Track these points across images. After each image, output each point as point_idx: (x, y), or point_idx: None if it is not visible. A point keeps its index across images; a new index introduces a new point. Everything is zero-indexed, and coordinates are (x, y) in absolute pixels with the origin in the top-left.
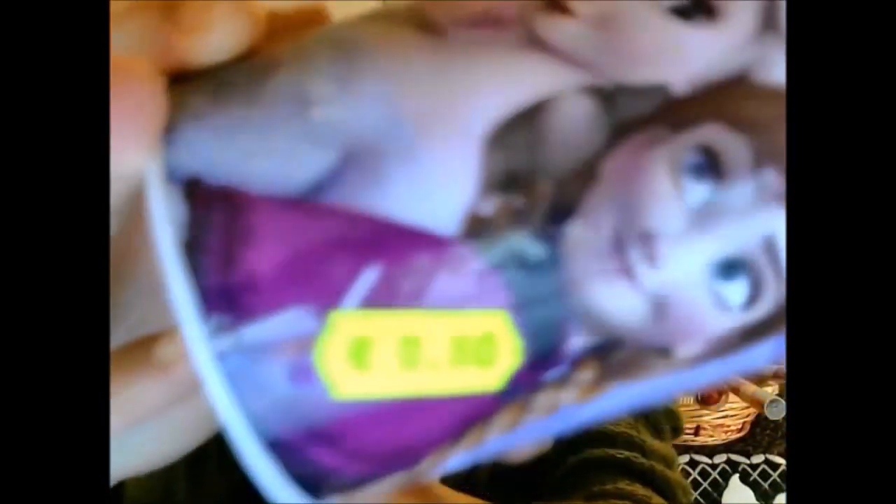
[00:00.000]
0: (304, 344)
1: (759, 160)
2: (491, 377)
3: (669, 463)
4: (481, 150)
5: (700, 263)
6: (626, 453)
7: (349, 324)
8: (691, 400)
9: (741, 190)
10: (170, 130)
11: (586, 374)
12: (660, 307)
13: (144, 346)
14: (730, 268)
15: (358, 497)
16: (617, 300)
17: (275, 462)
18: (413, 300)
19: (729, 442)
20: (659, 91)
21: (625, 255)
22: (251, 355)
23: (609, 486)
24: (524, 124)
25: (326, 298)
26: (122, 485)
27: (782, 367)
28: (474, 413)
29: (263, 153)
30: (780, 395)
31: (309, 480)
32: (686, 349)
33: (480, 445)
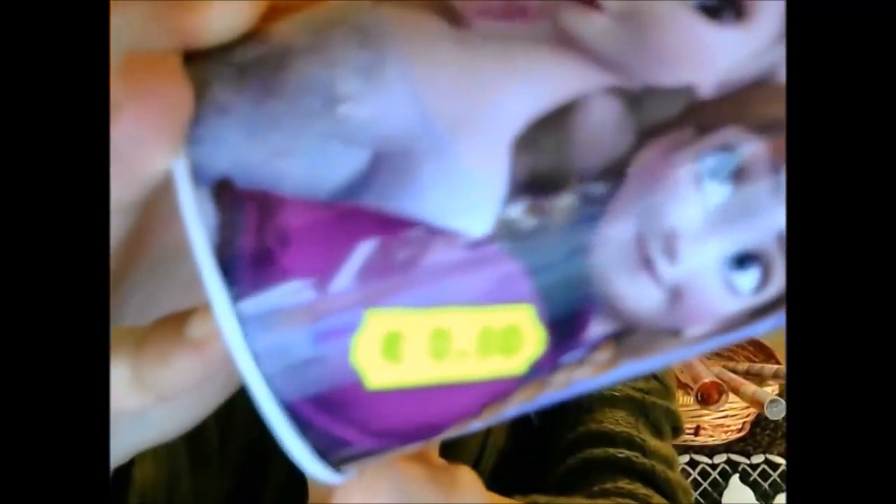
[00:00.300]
0: (312, 312)
1: (779, 161)
2: (515, 364)
3: (670, 463)
4: (511, 151)
5: (716, 256)
6: (627, 452)
7: (383, 319)
8: (691, 400)
9: (760, 190)
10: (195, 124)
11: (603, 356)
12: (675, 295)
13: (175, 323)
14: (744, 259)
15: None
16: (637, 292)
17: (297, 432)
18: (436, 300)
19: (729, 442)
20: (685, 93)
21: (646, 252)
22: (270, 324)
23: (609, 486)
24: (552, 125)
25: (325, 269)
26: (128, 476)
27: (782, 367)
28: (496, 394)
29: (292, 153)
30: (780, 395)
31: (326, 452)
32: (696, 330)
33: (497, 418)
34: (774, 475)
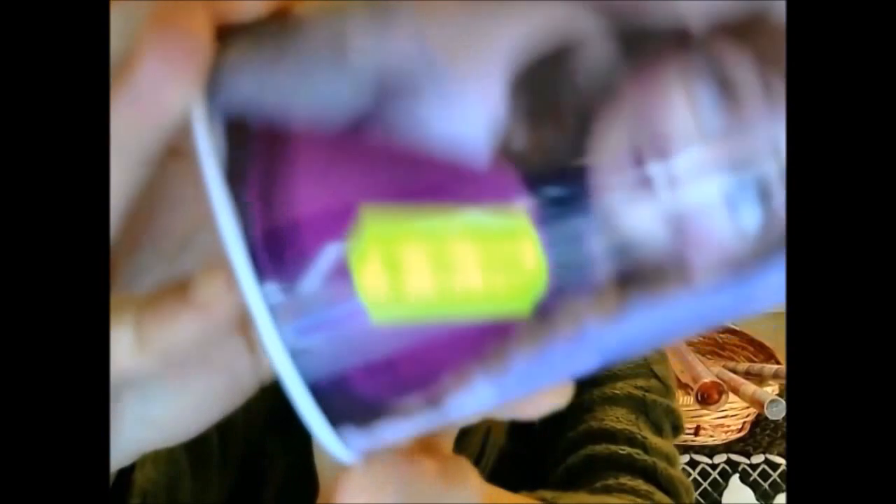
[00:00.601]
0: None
1: (771, 88)
2: (519, 304)
3: (671, 460)
4: (510, 87)
5: (715, 183)
6: (629, 449)
7: (382, 236)
8: (691, 400)
9: (753, 112)
10: (212, 78)
11: (608, 290)
12: (677, 225)
13: (180, 288)
14: (743, 188)
15: (377, 437)
16: (637, 217)
17: (310, 389)
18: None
19: (729, 442)
20: (677, 28)
21: (644, 172)
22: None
23: (612, 482)
24: (548, 64)
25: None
26: (130, 477)
27: (782, 367)
28: (500, 332)
29: (303, 91)
30: (780, 395)
31: (334, 406)
32: (704, 267)
33: (504, 368)
34: (774, 475)
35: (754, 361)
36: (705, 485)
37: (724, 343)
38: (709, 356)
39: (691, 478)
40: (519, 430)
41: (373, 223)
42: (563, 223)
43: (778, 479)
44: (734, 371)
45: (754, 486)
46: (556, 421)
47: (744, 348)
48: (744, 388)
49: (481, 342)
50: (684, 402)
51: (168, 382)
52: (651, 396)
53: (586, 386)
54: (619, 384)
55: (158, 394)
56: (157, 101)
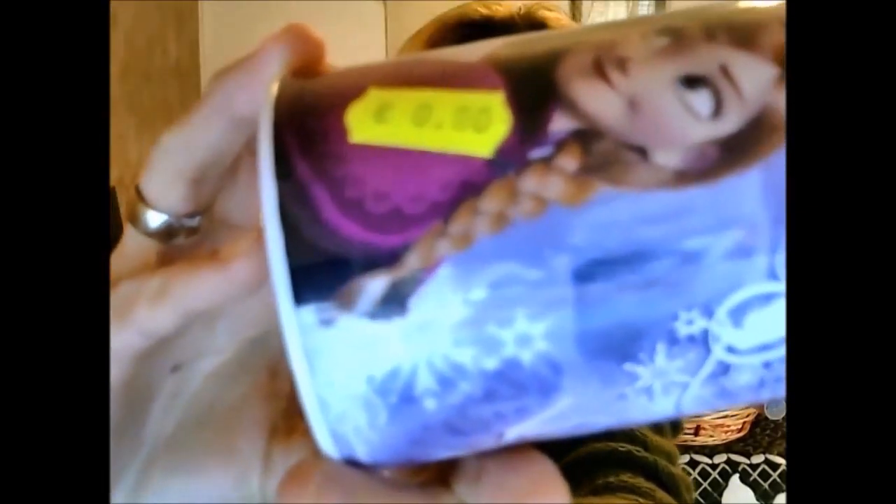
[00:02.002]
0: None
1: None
2: (483, 140)
3: (671, 458)
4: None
5: (665, 73)
6: (629, 447)
7: (380, 94)
8: None
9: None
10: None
11: (570, 162)
12: (632, 104)
13: (209, 254)
14: (692, 81)
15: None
16: (594, 94)
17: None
18: None
19: (729, 442)
20: None
21: (602, 69)
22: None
23: (613, 479)
24: None
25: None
26: None
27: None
28: (467, 178)
29: None
30: None
31: (311, 259)
32: (664, 154)
33: (471, 243)
34: (774, 475)
35: None
36: (705, 485)
37: None
38: None
39: (691, 478)
40: None
41: (375, 89)
42: (527, 87)
43: (778, 479)
44: None
45: (754, 486)
46: None
47: None
48: None
49: (450, 193)
50: None
51: (181, 466)
52: None
53: None
54: None
55: (170, 481)
56: (235, 103)
